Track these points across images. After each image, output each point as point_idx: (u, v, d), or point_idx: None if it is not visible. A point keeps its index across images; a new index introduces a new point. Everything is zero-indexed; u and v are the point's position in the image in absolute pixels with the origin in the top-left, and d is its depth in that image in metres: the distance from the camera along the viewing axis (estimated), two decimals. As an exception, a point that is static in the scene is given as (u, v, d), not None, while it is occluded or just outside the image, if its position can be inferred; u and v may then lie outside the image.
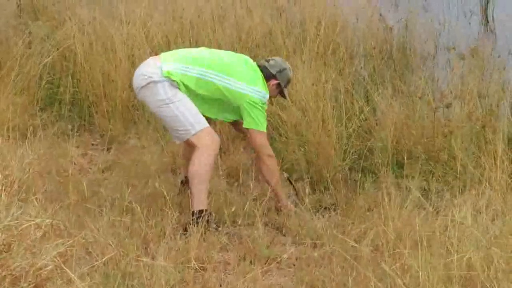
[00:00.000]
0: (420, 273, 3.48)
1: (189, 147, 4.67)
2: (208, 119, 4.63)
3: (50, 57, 6.47)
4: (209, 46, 5.74)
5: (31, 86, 6.24)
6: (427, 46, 6.94)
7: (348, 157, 5.33)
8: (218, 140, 4.55)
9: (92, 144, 5.83)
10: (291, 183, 5.04)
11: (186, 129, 4.50)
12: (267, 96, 4.67)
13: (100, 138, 5.82)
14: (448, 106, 5.44)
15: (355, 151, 5.38)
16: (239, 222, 4.50)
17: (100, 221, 4.23)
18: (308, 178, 5.16)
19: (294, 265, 4.17)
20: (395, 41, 6.92)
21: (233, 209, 4.52)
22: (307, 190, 4.88)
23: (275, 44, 6.46)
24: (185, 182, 4.77)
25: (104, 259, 3.82)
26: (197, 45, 6.16)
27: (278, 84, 4.74)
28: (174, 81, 4.48)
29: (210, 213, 4.44)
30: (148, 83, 4.52)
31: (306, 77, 5.67)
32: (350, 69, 6.13)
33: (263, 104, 4.61)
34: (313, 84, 5.58)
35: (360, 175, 5.18)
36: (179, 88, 4.51)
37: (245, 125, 4.60)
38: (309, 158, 5.31)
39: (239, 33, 6.59)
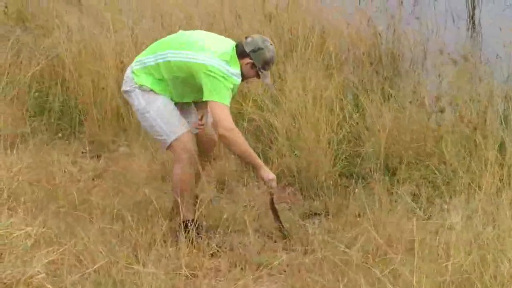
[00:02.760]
0: (412, 279, 3.49)
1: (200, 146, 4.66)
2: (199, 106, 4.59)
3: (39, 66, 6.48)
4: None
5: (20, 95, 6.24)
6: (416, 51, 6.95)
7: (338, 163, 5.34)
8: (191, 149, 4.42)
9: (82, 152, 5.81)
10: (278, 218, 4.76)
11: (163, 139, 4.46)
12: (234, 71, 4.37)
13: (89, 146, 5.79)
14: (442, 111, 5.47)
15: (345, 157, 5.40)
16: (230, 229, 4.49)
17: (90, 229, 4.22)
18: (298, 184, 5.19)
19: (285, 271, 4.18)
20: (384, 46, 6.93)
21: (224, 216, 4.52)
22: (298, 196, 4.94)
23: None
24: None
25: (95, 267, 3.81)
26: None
27: (253, 65, 4.43)
28: (142, 85, 4.42)
29: (196, 222, 4.36)
30: (124, 93, 4.54)
31: (296, 83, 5.66)
32: (340, 75, 6.10)
33: (224, 75, 4.31)
34: (304, 92, 5.59)
35: (350, 181, 5.19)
36: (153, 90, 4.42)
37: (204, 97, 4.34)
38: (299, 164, 5.31)
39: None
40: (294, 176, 5.30)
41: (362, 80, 6.23)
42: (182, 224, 4.35)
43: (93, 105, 6.14)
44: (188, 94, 4.53)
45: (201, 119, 4.64)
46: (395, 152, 5.31)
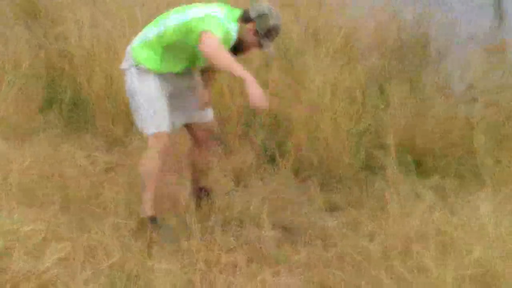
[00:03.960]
0: (435, 273, 3.53)
1: (194, 147, 4.68)
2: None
3: (51, 57, 6.52)
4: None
5: (31, 87, 6.28)
6: (443, 39, 6.89)
7: (360, 154, 5.33)
8: (166, 145, 4.41)
9: (95, 146, 5.83)
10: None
11: (142, 126, 4.44)
12: (231, 25, 4.29)
13: (102, 140, 5.85)
14: (473, 100, 5.49)
15: (367, 149, 5.38)
16: (246, 223, 4.52)
17: (104, 223, 4.26)
18: (318, 177, 5.20)
19: (304, 266, 4.18)
20: (411, 35, 6.85)
21: (239, 209, 4.57)
22: (318, 189, 4.93)
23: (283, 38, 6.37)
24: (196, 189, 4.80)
25: (109, 262, 3.84)
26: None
27: (256, 32, 4.33)
28: (139, 64, 4.39)
29: (155, 219, 4.40)
30: (122, 71, 4.51)
31: (317, 73, 5.66)
32: (363, 65, 6.10)
33: (219, 22, 4.20)
34: (324, 83, 5.58)
35: (372, 173, 5.19)
36: (148, 67, 4.38)
37: (197, 30, 4.14)
38: (319, 155, 5.32)
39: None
40: (313, 169, 5.29)
41: (386, 70, 6.24)
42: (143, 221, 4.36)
43: (106, 98, 6.16)
44: (184, 59, 4.45)
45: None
46: (419, 143, 5.30)
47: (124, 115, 5.98)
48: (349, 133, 5.36)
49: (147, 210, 4.42)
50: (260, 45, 4.39)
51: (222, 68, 4.21)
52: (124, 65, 4.49)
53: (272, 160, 5.45)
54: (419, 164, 5.13)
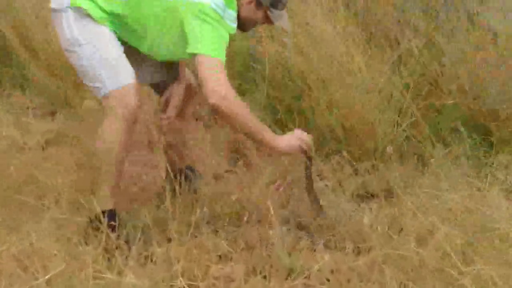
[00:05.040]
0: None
1: (172, 133, 4.71)
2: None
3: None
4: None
5: None
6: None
7: (404, 121, 5.33)
8: (132, 106, 4.30)
9: (29, 108, 5.84)
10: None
11: (96, 87, 4.34)
12: (231, 14, 4.34)
13: (40, 99, 5.84)
14: None
15: (414, 112, 5.34)
16: (246, 219, 4.45)
17: (40, 220, 4.24)
18: (347, 152, 5.18)
19: (328, 280, 4.10)
20: None
21: (234, 198, 4.56)
22: (347, 169, 4.99)
23: None
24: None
25: (47, 276, 3.79)
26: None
27: (258, 3, 4.39)
28: (78, 6, 4.31)
29: (114, 213, 4.36)
30: (52, 13, 4.41)
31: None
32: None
33: (219, 19, 4.26)
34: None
35: (423, 146, 5.21)
36: (92, 18, 4.34)
37: (188, 50, 4.23)
38: (345, 124, 5.35)
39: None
40: (340, 140, 5.33)
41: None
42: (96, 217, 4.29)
43: (45, 43, 6.15)
44: (144, 44, 4.44)
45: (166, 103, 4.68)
46: (487, 103, 5.30)
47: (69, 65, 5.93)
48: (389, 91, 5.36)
49: (105, 201, 4.34)
50: (268, 19, 4.43)
51: (236, 129, 4.28)
52: (54, 3, 4.39)
53: (283, 125, 5.44)
54: (487, 134, 5.19)
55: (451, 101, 5.29)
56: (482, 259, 3.75)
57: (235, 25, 4.34)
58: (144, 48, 4.47)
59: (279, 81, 5.71)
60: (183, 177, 4.67)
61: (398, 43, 5.54)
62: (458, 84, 5.38)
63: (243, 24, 4.42)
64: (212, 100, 4.12)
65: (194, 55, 4.18)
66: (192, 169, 4.84)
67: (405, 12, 5.95)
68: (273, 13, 4.38)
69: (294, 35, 5.61)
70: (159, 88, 4.73)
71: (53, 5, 4.38)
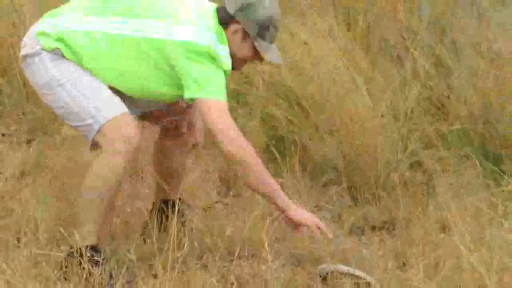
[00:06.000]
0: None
1: (161, 140, 4.60)
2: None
3: None
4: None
5: None
6: None
7: (408, 147, 5.26)
8: (133, 135, 4.12)
9: (3, 135, 5.80)
10: None
11: (85, 124, 4.13)
12: (225, 51, 4.17)
13: (16, 125, 5.77)
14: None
15: (419, 137, 5.31)
16: (238, 253, 4.32)
17: (16, 257, 4.11)
18: (346, 181, 5.16)
19: None
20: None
21: (227, 233, 4.48)
22: (346, 200, 5.01)
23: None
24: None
25: None
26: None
27: (245, 33, 4.19)
28: (54, 48, 4.16)
29: (96, 250, 4.17)
30: (23, 61, 4.27)
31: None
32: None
33: (215, 57, 4.09)
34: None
35: (428, 173, 5.18)
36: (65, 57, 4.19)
37: (187, 95, 4.09)
38: (344, 150, 5.26)
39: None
40: (338, 169, 5.25)
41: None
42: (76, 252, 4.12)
43: (18, 67, 6.01)
44: (131, 87, 4.26)
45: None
46: (499, 127, 5.27)
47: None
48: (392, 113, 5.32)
49: (87, 236, 4.15)
50: (256, 54, 4.25)
51: (249, 184, 4.22)
52: (26, 50, 4.23)
53: (281, 154, 5.38)
54: (498, 159, 5.15)
55: (459, 126, 5.25)
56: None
57: (229, 62, 4.18)
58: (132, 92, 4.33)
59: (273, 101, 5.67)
60: (173, 210, 4.45)
61: (402, 63, 5.51)
62: (467, 107, 5.32)
63: (232, 61, 4.22)
64: (230, 147, 4.05)
65: (194, 97, 4.08)
66: (184, 203, 4.66)
67: (409, 29, 5.91)
68: (261, 45, 4.20)
69: (292, 55, 5.54)
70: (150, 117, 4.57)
71: (24, 52, 4.23)
